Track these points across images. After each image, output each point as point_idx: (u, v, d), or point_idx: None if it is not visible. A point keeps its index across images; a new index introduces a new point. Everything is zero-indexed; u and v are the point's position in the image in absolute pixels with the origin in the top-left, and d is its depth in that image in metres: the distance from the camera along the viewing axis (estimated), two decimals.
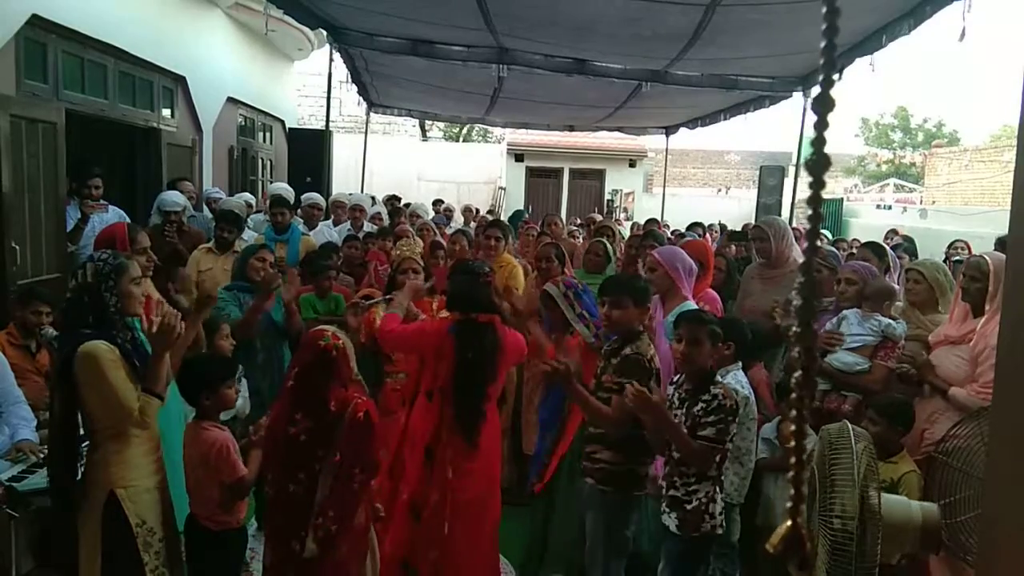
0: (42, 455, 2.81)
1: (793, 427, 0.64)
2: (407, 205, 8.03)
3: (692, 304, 3.31)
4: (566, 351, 3.07)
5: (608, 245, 4.55)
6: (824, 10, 0.58)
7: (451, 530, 2.75)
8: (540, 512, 3.20)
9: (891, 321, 3.19)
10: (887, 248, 4.26)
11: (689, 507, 2.46)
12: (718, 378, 2.64)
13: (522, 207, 15.08)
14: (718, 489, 2.53)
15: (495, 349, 2.80)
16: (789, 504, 0.66)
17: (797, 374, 0.63)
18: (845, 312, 3.29)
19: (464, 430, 2.76)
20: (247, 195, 7.24)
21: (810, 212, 0.62)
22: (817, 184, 0.61)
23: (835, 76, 0.61)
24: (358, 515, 2.38)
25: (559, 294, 3.10)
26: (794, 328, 0.63)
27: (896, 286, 3.60)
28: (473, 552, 2.83)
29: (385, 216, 7.01)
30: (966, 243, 6.44)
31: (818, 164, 0.60)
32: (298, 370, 2.31)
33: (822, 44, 0.59)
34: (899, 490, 2.51)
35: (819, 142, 0.60)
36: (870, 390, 3.07)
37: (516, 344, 2.93)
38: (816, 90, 0.60)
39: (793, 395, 0.64)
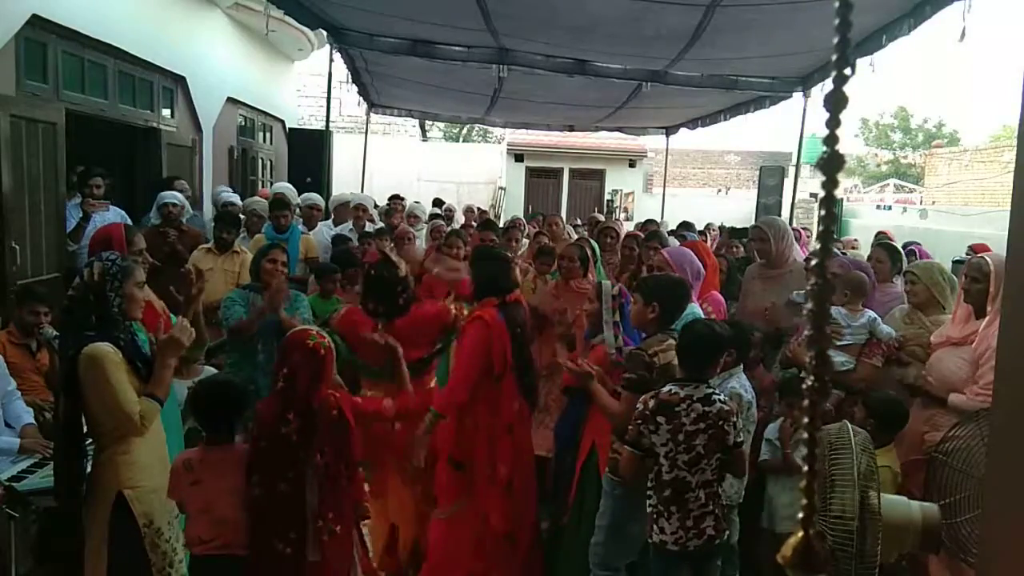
0: (48, 452, 2.83)
1: (795, 430, 0.62)
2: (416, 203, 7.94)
3: (696, 307, 3.30)
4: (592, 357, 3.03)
5: (587, 248, 4.48)
6: (836, 4, 0.55)
7: (527, 496, 3.09)
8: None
9: (877, 317, 3.24)
10: (900, 251, 4.21)
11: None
12: (734, 385, 2.78)
13: (522, 207, 15.09)
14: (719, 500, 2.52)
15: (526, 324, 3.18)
16: (800, 515, 0.62)
17: (810, 380, 0.60)
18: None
19: (530, 401, 3.14)
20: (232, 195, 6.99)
21: (823, 212, 0.58)
22: (830, 183, 0.57)
23: (847, 72, 0.57)
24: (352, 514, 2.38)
25: (607, 293, 3.06)
26: (807, 332, 0.60)
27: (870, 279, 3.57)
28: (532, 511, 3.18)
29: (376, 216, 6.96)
30: (972, 246, 6.12)
31: (831, 162, 0.56)
32: (287, 371, 2.29)
33: (835, 39, 0.56)
34: None
35: (831, 140, 0.56)
36: (855, 389, 3.10)
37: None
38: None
39: (806, 402, 0.60)
